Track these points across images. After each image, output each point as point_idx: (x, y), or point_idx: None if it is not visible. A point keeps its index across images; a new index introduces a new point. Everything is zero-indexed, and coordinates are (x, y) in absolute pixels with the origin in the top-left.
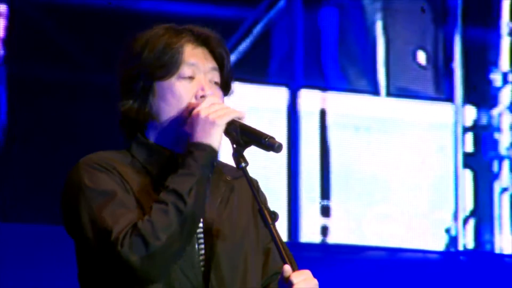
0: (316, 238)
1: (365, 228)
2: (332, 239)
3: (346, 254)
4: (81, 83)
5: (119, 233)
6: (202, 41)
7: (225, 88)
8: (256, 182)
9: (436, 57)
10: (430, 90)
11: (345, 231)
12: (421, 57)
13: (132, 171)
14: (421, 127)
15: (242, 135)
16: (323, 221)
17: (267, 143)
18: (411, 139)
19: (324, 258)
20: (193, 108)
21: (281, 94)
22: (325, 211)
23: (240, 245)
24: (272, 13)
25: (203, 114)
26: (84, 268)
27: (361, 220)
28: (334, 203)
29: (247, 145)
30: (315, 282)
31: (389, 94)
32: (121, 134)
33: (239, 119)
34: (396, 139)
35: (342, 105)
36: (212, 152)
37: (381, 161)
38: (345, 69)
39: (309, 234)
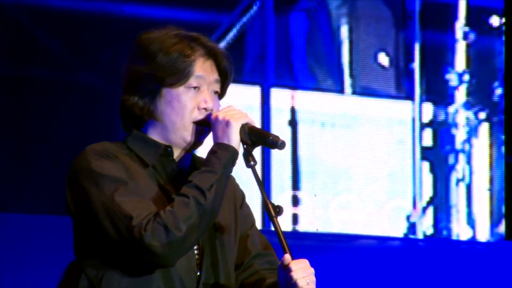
0: (288, 227)
1: (331, 216)
2: (301, 227)
3: (313, 240)
4: (68, 82)
5: (141, 219)
6: (212, 55)
7: (221, 96)
8: (233, 179)
9: (396, 58)
10: (391, 89)
11: (313, 219)
12: (383, 58)
13: (130, 161)
14: (382, 123)
15: (251, 135)
16: (294, 210)
17: (271, 142)
18: (373, 134)
19: (295, 245)
20: (201, 121)
21: (254, 92)
22: (295, 201)
23: (226, 233)
24: (246, 18)
25: (220, 116)
26: (81, 245)
27: (327, 209)
28: (303, 193)
29: (254, 144)
30: (311, 270)
31: (353, 92)
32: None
33: (250, 123)
34: (359, 134)
35: (310, 103)
36: (234, 153)
37: (346, 154)
38: (313, 69)
39: (281, 222)
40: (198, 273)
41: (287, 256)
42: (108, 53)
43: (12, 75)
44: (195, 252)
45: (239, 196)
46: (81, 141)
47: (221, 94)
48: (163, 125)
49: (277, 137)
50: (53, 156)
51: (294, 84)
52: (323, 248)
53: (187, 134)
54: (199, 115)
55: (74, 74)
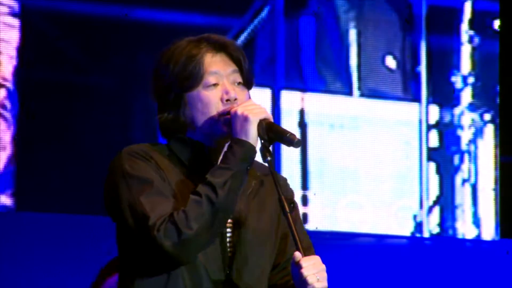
0: None
1: (338, 216)
2: (310, 226)
3: (318, 238)
4: (84, 85)
5: (157, 219)
6: (220, 48)
7: (248, 85)
8: (285, 179)
9: (403, 61)
10: (398, 91)
11: (321, 218)
12: (390, 61)
13: (169, 162)
14: (390, 124)
15: (268, 131)
16: (303, 209)
17: (288, 139)
18: (381, 135)
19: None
20: (225, 112)
21: (264, 94)
22: (304, 200)
23: (265, 234)
24: (256, 22)
25: (239, 111)
26: (123, 248)
27: (334, 208)
28: (312, 193)
29: (272, 140)
30: (323, 267)
31: (361, 95)
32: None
33: (268, 118)
34: (367, 135)
35: (319, 105)
36: (250, 148)
37: (354, 155)
38: (322, 72)
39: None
40: (228, 272)
41: (298, 253)
42: (121, 55)
43: (33, 79)
44: (228, 250)
45: (287, 196)
46: (93, 141)
47: (247, 83)
48: (196, 131)
49: (294, 135)
50: (66, 156)
51: (304, 86)
52: (328, 246)
53: (217, 130)
54: (225, 108)
55: (87, 76)
